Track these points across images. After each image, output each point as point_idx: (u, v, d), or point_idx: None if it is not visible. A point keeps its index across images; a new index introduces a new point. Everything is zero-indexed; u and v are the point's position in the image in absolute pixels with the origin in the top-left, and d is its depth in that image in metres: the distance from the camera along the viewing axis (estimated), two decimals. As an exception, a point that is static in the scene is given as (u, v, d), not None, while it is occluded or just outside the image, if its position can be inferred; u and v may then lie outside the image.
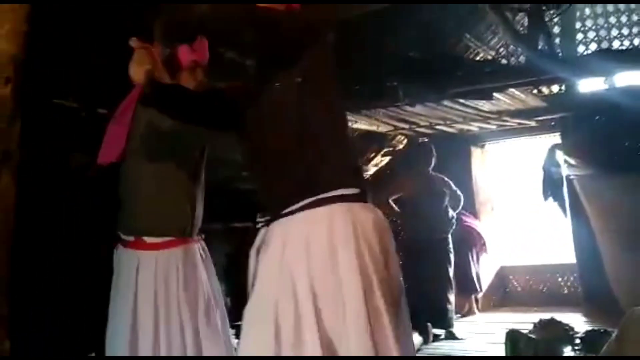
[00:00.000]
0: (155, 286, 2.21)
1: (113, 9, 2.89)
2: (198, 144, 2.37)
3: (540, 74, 4.68)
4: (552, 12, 5.07)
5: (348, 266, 1.48)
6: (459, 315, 6.14)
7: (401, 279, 1.66)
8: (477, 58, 6.52)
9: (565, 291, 6.99)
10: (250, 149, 1.73)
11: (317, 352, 1.43)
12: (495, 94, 5.02)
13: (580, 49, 6.76)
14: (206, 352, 2.25)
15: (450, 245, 5.63)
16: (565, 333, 4.13)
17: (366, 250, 1.52)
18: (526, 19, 5.34)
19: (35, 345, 2.62)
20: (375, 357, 1.45)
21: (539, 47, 4.86)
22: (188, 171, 2.35)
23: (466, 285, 6.28)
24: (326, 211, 1.55)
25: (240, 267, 1.69)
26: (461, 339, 5.27)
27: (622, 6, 6.67)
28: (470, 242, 6.44)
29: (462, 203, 5.89)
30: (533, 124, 6.42)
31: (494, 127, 6.61)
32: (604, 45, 6.67)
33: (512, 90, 5.07)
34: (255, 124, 1.69)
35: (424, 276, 5.36)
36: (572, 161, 5.49)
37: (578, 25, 6.81)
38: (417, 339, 4.84)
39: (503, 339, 4.02)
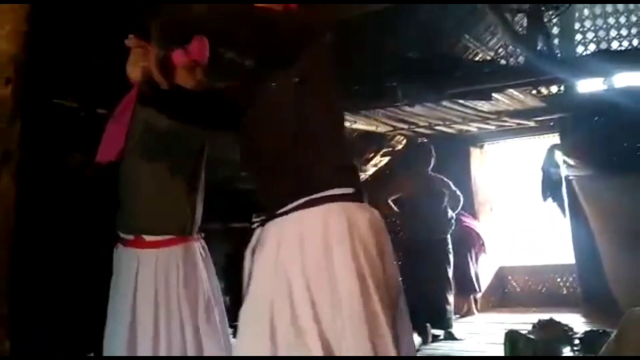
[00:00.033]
0: (155, 284, 2.21)
1: (113, 9, 2.89)
2: (197, 142, 2.37)
3: (539, 75, 4.69)
4: (551, 12, 5.08)
5: (343, 266, 1.47)
6: (457, 315, 6.15)
7: (399, 278, 1.64)
8: (476, 58, 6.52)
9: (564, 292, 7.00)
10: (246, 148, 1.73)
11: (315, 352, 1.43)
12: (494, 95, 5.03)
13: (579, 49, 6.78)
14: (206, 350, 2.24)
15: (450, 246, 5.63)
16: (564, 333, 4.14)
17: (361, 250, 1.51)
18: (525, 20, 5.35)
19: (35, 345, 2.62)
20: (374, 357, 1.45)
21: (538, 47, 4.87)
22: (188, 169, 2.35)
23: (465, 285, 6.29)
24: (320, 211, 1.54)
25: (239, 267, 1.69)
26: (460, 339, 5.27)
27: (620, 7, 6.68)
28: (469, 242, 6.45)
29: (461, 203, 5.90)
30: (532, 124, 6.42)
31: (493, 127, 6.62)
32: (603, 46, 6.68)
33: (511, 90, 5.08)
34: (251, 123, 1.69)
35: (423, 277, 5.37)
36: (571, 162, 5.50)
37: (577, 26, 6.82)
38: (416, 339, 4.84)
39: (502, 340, 4.02)
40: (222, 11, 1.51)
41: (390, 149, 6.73)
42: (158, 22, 1.50)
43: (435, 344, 5.13)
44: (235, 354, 1.58)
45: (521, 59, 6.36)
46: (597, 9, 6.77)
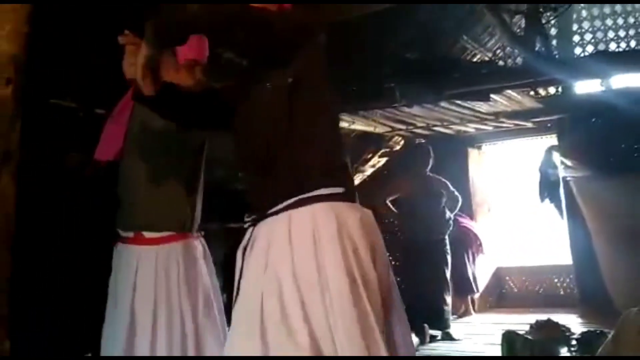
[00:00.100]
0: (155, 280, 2.21)
1: (112, 9, 2.89)
2: (195, 141, 2.37)
3: (537, 76, 4.70)
4: (549, 14, 5.08)
5: (333, 265, 1.48)
6: (455, 316, 6.15)
7: (391, 278, 1.64)
8: (474, 59, 6.53)
9: (562, 292, 7.00)
10: (239, 148, 1.73)
11: (304, 352, 1.43)
12: (492, 96, 5.04)
13: (577, 50, 6.79)
14: (206, 345, 2.24)
15: (448, 247, 5.64)
16: (561, 334, 4.15)
17: (351, 249, 1.51)
18: (523, 21, 5.36)
19: (35, 345, 2.61)
20: (373, 357, 1.45)
21: (536, 49, 4.88)
22: (186, 167, 2.35)
23: (462, 286, 6.29)
24: (309, 211, 1.54)
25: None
26: (458, 339, 5.28)
27: (618, 8, 6.70)
28: (466, 243, 6.45)
29: (460, 204, 5.90)
30: (530, 125, 6.43)
31: (491, 128, 6.63)
32: (601, 47, 6.69)
33: (509, 91, 5.08)
34: (243, 123, 1.69)
35: (420, 277, 5.38)
36: (568, 163, 5.51)
37: (575, 27, 6.84)
38: (413, 339, 4.85)
39: (499, 340, 4.03)
40: (217, 11, 1.51)
41: (388, 150, 6.73)
42: (152, 22, 1.50)
43: (433, 344, 5.13)
44: (226, 353, 1.58)
45: (519, 60, 6.36)
46: (595, 10, 6.79)
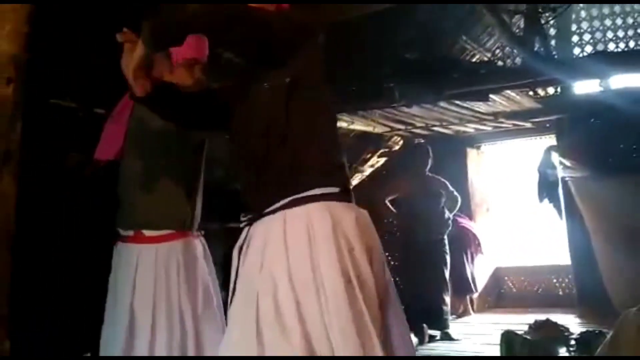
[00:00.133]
0: (154, 277, 2.20)
1: (112, 9, 2.89)
2: (195, 139, 2.36)
3: (536, 76, 4.70)
4: (548, 14, 5.09)
5: (328, 265, 1.48)
6: (454, 316, 6.16)
7: (388, 278, 1.63)
8: (473, 60, 6.53)
9: (560, 292, 7.02)
10: (235, 147, 1.73)
11: (299, 352, 1.43)
12: (491, 96, 5.04)
13: (576, 51, 6.80)
14: (206, 343, 2.23)
15: (447, 247, 5.64)
16: (560, 334, 4.16)
17: (346, 249, 1.51)
18: (522, 21, 5.36)
19: (35, 345, 2.61)
20: (372, 357, 1.45)
21: (535, 49, 4.89)
22: (186, 166, 2.35)
23: (461, 286, 6.30)
24: (303, 210, 1.55)
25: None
26: (457, 339, 5.28)
27: (617, 9, 6.71)
28: (465, 243, 6.46)
29: (459, 204, 5.90)
30: (529, 125, 6.44)
31: (490, 128, 6.63)
32: (600, 47, 6.70)
33: (508, 91, 5.09)
34: (240, 123, 1.70)
35: (420, 277, 5.38)
36: (567, 163, 5.51)
37: (574, 27, 6.85)
38: (413, 339, 4.85)
39: (498, 340, 4.03)
40: (215, 11, 1.51)
41: (387, 150, 6.73)
42: (148, 22, 1.50)
43: (432, 344, 5.14)
44: (221, 352, 1.58)
45: (518, 60, 6.37)
46: (594, 10, 6.80)
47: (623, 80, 5.76)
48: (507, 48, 6.68)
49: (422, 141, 6.41)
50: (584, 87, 6.26)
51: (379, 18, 4.64)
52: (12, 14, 1.89)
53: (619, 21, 6.72)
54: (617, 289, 4.93)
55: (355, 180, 6.45)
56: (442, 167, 6.01)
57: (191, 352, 2.21)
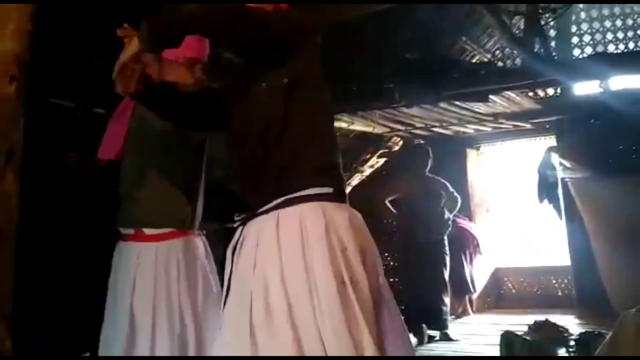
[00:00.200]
0: (154, 276, 2.20)
1: (112, 8, 2.89)
2: (195, 138, 2.36)
3: (536, 77, 4.70)
4: (548, 15, 5.09)
5: (321, 265, 1.48)
6: (453, 316, 6.16)
7: (382, 279, 1.63)
8: (473, 60, 6.54)
9: (559, 293, 7.02)
10: (231, 147, 1.73)
11: (288, 352, 1.43)
12: (491, 96, 5.04)
13: (576, 52, 6.81)
14: (207, 342, 2.22)
15: (446, 247, 5.64)
16: (559, 335, 4.16)
17: (339, 249, 1.51)
18: (522, 22, 5.37)
19: (34, 345, 2.61)
20: (370, 357, 1.45)
21: (535, 50, 4.89)
22: (187, 165, 2.34)
23: (460, 286, 6.30)
24: (296, 210, 1.54)
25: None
26: (456, 340, 5.28)
27: (617, 10, 6.72)
28: (463, 243, 6.46)
29: (459, 205, 5.90)
30: (528, 126, 6.44)
31: (490, 129, 6.64)
32: (599, 48, 6.71)
33: (507, 92, 5.09)
34: (240, 123, 1.69)
35: (419, 277, 5.39)
36: (567, 164, 5.52)
37: (574, 28, 6.86)
38: (412, 340, 4.85)
39: (498, 341, 4.04)
40: (214, 11, 1.51)
41: (387, 150, 6.73)
42: (146, 22, 1.49)
43: (431, 345, 5.15)
44: (215, 352, 1.58)
45: (518, 61, 6.39)
46: (594, 12, 6.81)
47: (623, 82, 5.77)
48: (507, 49, 6.69)
49: (422, 142, 6.41)
50: (584, 88, 6.26)
51: (379, 18, 4.64)
52: (15, 12, 1.89)
53: (618, 23, 6.73)
54: (616, 290, 4.94)
55: (355, 181, 6.46)
56: (442, 168, 6.01)
57: (192, 351, 2.20)
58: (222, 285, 2.40)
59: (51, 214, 2.94)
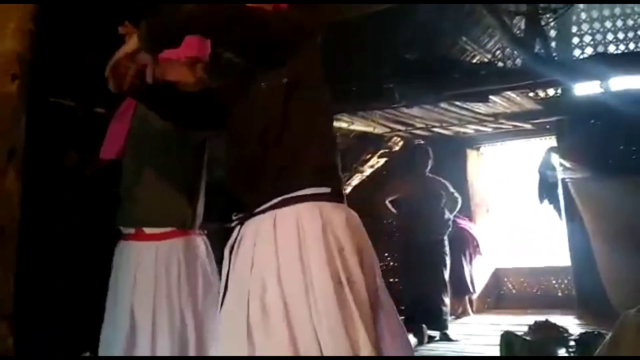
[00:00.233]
0: (155, 275, 2.19)
1: (113, 8, 2.90)
2: (195, 138, 2.36)
3: (536, 77, 4.70)
4: (548, 15, 5.09)
5: (318, 265, 1.47)
6: (453, 316, 6.16)
7: (379, 278, 1.62)
8: (474, 61, 6.54)
9: (560, 293, 7.02)
10: (229, 146, 1.73)
11: (284, 351, 1.42)
12: (491, 97, 5.04)
13: (576, 52, 6.81)
14: (207, 341, 2.22)
15: (446, 248, 5.64)
16: (560, 335, 4.16)
17: (336, 249, 1.50)
18: (523, 23, 5.37)
19: (36, 344, 2.61)
20: (370, 357, 1.45)
21: (536, 50, 4.89)
22: (187, 165, 2.34)
23: (459, 286, 6.30)
24: (293, 210, 1.54)
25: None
26: (456, 340, 5.29)
27: (617, 11, 6.72)
28: (463, 244, 6.46)
29: (459, 205, 5.90)
30: (529, 126, 6.45)
31: (490, 129, 6.64)
32: (600, 49, 6.71)
33: (508, 93, 5.09)
34: (239, 123, 1.69)
35: (419, 277, 5.39)
36: (567, 164, 5.52)
37: (574, 29, 6.86)
38: (412, 340, 4.86)
39: (498, 341, 4.04)
40: (213, 11, 1.50)
41: (387, 150, 6.73)
42: (145, 23, 1.49)
43: (431, 345, 5.15)
44: (212, 352, 1.58)
45: (518, 61, 6.39)
46: (594, 12, 6.81)
47: (623, 82, 5.77)
48: (508, 49, 6.70)
49: (422, 142, 6.41)
50: (585, 88, 6.26)
51: (379, 18, 4.64)
52: (17, 11, 1.89)
53: (619, 23, 6.74)
54: (616, 290, 4.94)
55: (355, 181, 6.46)
56: (442, 168, 6.01)
57: (192, 351, 2.20)
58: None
59: (51, 213, 2.94)
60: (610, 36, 6.74)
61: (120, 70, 1.57)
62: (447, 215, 5.70)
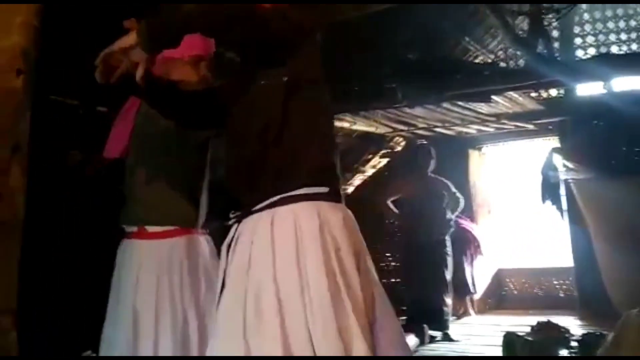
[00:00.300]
0: (157, 273, 2.19)
1: (114, 7, 2.90)
2: (199, 136, 2.36)
3: (539, 78, 4.70)
4: (551, 16, 5.08)
5: (315, 265, 1.46)
6: (454, 317, 6.16)
7: (375, 279, 1.60)
8: (476, 61, 6.54)
9: (561, 294, 7.02)
10: (229, 145, 1.73)
11: (278, 352, 1.41)
12: (493, 97, 5.04)
13: (579, 53, 6.81)
14: (209, 334, 2.22)
15: (448, 248, 5.64)
16: (561, 336, 4.16)
17: (333, 249, 1.50)
18: (526, 23, 5.36)
19: (37, 342, 2.61)
20: (366, 357, 1.45)
21: (538, 50, 4.88)
22: (190, 163, 2.34)
23: (460, 287, 6.29)
24: (290, 209, 1.53)
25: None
26: (457, 340, 5.28)
27: (620, 11, 6.72)
28: (464, 244, 6.46)
29: (461, 205, 5.90)
30: (531, 127, 6.44)
31: (492, 129, 6.63)
32: (603, 50, 6.71)
33: (510, 93, 5.09)
34: (239, 122, 1.69)
35: (421, 278, 5.38)
36: (570, 165, 5.51)
37: (577, 29, 6.86)
38: (413, 340, 4.86)
39: (499, 341, 4.03)
40: (213, 10, 1.50)
41: (389, 150, 6.74)
42: (145, 22, 1.49)
43: (432, 345, 5.14)
44: (208, 352, 1.58)
45: (521, 61, 6.39)
46: (597, 13, 6.81)
47: (626, 83, 5.76)
48: (510, 49, 6.68)
49: (425, 142, 6.40)
50: (587, 89, 6.26)
51: (381, 18, 4.64)
52: (22, 8, 1.89)
53: (622, 24, 6.73)
54: (618, 291, 4.93)
55: (357, 181, 6.47)
56: (444, 168, 6.01)
57: (194, 350, 2.19)
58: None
59: (54, 212, 2.94)
60: (613, 37, 6.73)
61: (111, 63, 1.57)
62: (449, 215, 5.70)
